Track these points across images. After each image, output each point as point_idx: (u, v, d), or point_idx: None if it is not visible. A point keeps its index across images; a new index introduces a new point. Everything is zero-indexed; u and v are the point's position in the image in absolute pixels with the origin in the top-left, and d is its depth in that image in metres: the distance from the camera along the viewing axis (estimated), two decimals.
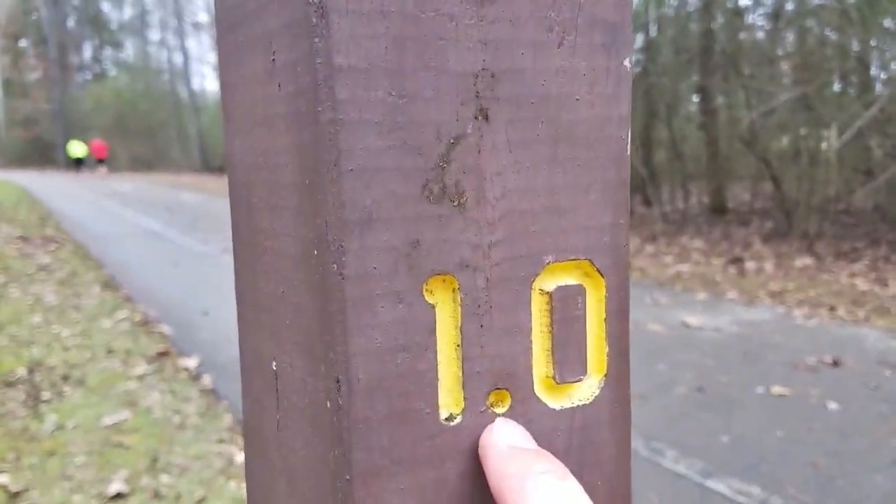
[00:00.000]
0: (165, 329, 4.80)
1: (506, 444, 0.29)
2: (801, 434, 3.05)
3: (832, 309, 5.19)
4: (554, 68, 0.31)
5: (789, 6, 8.90)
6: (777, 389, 3.58)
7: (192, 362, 4.03)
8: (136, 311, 5.31)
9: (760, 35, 9.62)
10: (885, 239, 7.24)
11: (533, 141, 0.30)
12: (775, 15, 9.09)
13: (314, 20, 0.27)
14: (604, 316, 0.32)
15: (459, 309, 0.29)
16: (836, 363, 3.99)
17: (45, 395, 3.51)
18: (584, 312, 0.32)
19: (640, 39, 10.94)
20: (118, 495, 2.53)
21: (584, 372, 0.32)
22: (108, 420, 3.20)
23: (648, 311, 5.24)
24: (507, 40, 0.30)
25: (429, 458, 0.29)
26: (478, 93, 0.29)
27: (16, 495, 2.50)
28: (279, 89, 0.30)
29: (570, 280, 0.32)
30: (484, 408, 0.30)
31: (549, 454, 0.29)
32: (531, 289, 0.31)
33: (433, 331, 0.29)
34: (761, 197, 9.13)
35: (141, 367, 3.96)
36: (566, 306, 0.31)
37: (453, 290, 0.29)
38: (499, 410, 0.30)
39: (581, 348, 0.32)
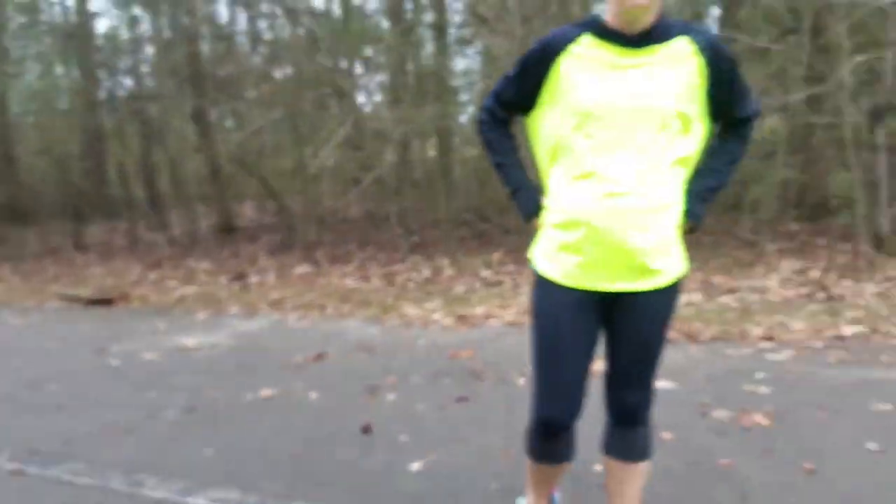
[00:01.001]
0: None
1: None
2: (284, 429, 3.15)
3: (322, 308, 5.63)
4: None
5: (267, 35, 9.49)
6: (265, 392, 3.67)
7: None
8: None
9: (255, 60, 10.05)
10: (373, 240, 8.23)
11: None
12: (255, 40, 9.61)
13: None
14: None
15: None
16: (319, 356, 4.28)
17: None
18: None
19: (129, 61, 10.45)
20: None
21: None
22: None
23: (144, 340, 4.94)
24: None
25: None
26: None
27: None
28: None
29: None
30: None
31: None
32: None
33: None
34: (269, 213, 9.55)
35: None
36: None
37: None
38: None
39: None
